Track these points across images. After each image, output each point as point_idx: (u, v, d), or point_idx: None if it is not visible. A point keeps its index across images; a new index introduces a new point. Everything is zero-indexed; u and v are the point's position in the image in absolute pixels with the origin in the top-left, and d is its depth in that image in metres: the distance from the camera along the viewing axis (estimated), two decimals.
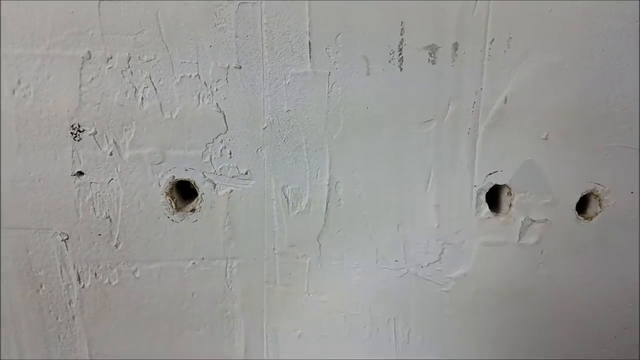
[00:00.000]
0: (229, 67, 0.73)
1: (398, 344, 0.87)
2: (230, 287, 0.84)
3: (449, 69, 0.74)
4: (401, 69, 0.74)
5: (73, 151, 0.75)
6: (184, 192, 0.82)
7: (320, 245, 0.82)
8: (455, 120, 0.76)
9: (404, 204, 0.80)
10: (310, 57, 0.73)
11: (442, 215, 0.80)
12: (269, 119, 0.76)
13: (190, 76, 0.73)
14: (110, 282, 0.83)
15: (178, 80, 0.73)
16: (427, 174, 0.78)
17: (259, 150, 0.78)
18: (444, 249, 0.82)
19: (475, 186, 0.79)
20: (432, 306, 0.85)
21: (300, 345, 0.87)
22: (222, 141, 0.77)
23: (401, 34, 0.72)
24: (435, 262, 0.83)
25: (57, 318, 0.84)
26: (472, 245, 0.82)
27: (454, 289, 0.84)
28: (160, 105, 0.74)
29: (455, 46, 0.73)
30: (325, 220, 0.81)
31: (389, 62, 0.73)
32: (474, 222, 0.81)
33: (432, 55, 0.73)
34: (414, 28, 0.72)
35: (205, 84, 0.74)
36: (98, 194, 0.78)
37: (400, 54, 0.73)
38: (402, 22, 0.72)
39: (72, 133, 0.74)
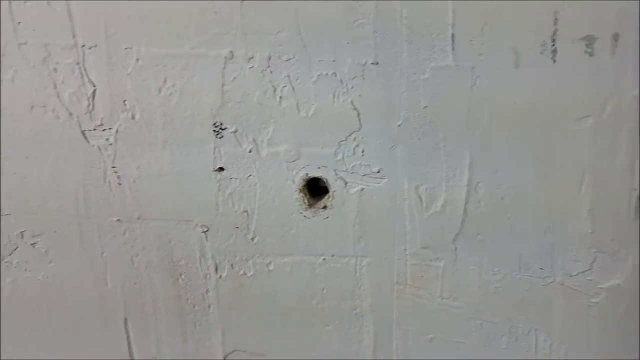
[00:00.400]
0: (365, 63, 0.72)
1: (538, 356, 0.81)
2: (359, 285, 0.83)
3: (608, 62, 0.66)
4: (554, 61, 0.68)
5: (215, 148, 0.78)
6: (313, 189, 0.82)
7: (456, 249, 0.78)
8: (614, 118, 0.68)
9: (553, 208, 0.74)
10: (452, 49, 0.69)
11: (597, 220, 0.73)
12: (404, 115, 0.74)
13: (327, 74, 0.72)
14: (245, 274, 0.85)
15: (315, 78, 0.73)
16: (580, 176, 0.71)
17: (393, 148, 0.75)
18: (596, 257, 0.75)
19: (635, 190, 0.71)
20: (579, 318, 0.78)
21: (431, 349, 0.84)
22: (355, 139, 0.76)
23: (554, 24, 0.66)
24: (586, 271, 0.76)
25: (194, 306, 0.88)
26: (628, 254, 0.74)
27: (604, 300, 0.77)
28: (297, 104, 0.74)
29: (616, 37, 0.65)
30: (462, 223, 0.77)
31: (541, 53, 0.68)
32: (633, 229, 0.73)
33: (589, 46, 0.66)
34: (569, 18, 0.66)
35: (341, 81, 0.73)
36: (237, 189, 0.80)
37: (553, 45, 0.67)
38: (555, 12, 0.66)
39: (214, 131, 0.77)
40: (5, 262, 0.87)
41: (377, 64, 0.72)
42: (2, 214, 0.84)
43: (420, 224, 0.78)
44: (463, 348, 0.83)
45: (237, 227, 0.82)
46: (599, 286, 0.76)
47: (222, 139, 0.77)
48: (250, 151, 0.77)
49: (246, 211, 0.81)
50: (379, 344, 0.86)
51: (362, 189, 0.78)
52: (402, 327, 0.84)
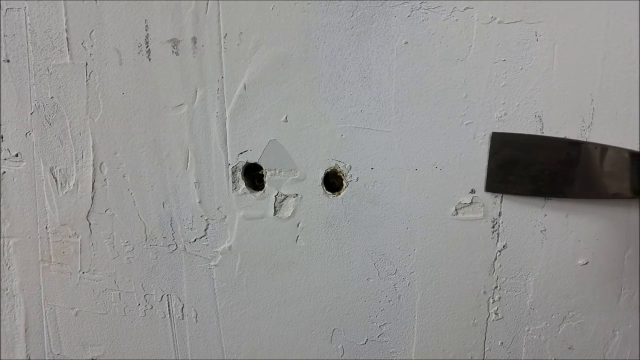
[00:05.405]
0: None
1: (173, 320, 0.92)
2: (8, 265, 0.90)
3: (191, 59, 0.85)
4: (150, 60, 0.85)
5: None
6: None
7: (90, 224, 0.89)
8: (204, 104, 0.86)
9: (167, 183, 0.88)
10: (68, 50, 0.84)
11: (203, 192, 0.88)
12: (35, 105, 0.86)
13: None
14: None
15: None
16: (185, 154, 0.86)
17: (28, 134, 0.87)
18: (208, 224, 0.89)
19: (229, 164, 0.88)
20: (202, 281, 0.91)
21: (77, 323, 0.92)
22: None
23: (146, 30, 0.84)
24: (202, 237, 0.90)
25: None
26: (234, 219, 0.89)
27: (221, 262, 0.90)
28: None
29: (194, 40, 0.84)
30: (92, 199, 0.88)
31: (138, 53, 0.84)
32: (232, 197, 0.89)
33: (175, 47, 0.85)
34: (156, 24, 0.84)
35: None
36: None
37: (147, 47, 0.84)
38: (145, 20, 0.84)
39: None
40: None
41: (8, 61, 0.84)
42: None
43: (58, 203, 0.89)
44: (106, 319, 0.92)
45: None
46: (215, 250, 0.90)
47: None
48: None
49: None
50: (30, 321, 0.92)
51: (4, 172, 0.87)
52: (49, 303, 0.91)
